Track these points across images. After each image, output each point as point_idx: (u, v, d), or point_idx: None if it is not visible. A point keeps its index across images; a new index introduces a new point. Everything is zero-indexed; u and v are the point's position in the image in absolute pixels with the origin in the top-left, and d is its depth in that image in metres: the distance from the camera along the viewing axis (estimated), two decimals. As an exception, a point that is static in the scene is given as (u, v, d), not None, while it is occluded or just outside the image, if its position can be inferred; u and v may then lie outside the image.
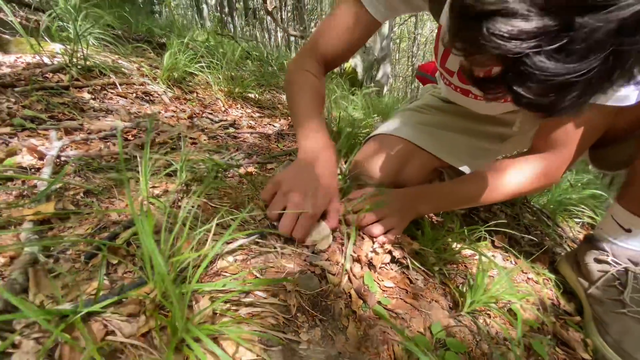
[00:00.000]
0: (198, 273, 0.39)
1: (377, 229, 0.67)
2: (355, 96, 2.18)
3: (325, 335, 0.49)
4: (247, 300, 0.46)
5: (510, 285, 0.62)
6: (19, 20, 1.57)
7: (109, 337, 0.37)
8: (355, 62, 4.90)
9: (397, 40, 16.53)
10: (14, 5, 1.83)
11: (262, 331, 0.42)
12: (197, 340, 0.36)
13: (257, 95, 1.75)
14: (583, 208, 1.24)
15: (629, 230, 0.71)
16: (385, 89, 6.77)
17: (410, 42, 17.34)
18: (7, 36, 1.39)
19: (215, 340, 0.38)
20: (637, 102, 0.57)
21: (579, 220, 1.27)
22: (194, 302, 0.42)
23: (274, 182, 0.62)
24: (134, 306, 0.40)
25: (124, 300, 0.40)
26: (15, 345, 0.35)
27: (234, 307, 0.44)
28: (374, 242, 0.67)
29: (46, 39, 1.34)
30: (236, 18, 10.22)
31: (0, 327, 0.36)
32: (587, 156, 0.80)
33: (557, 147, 0.69)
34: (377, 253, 0.66)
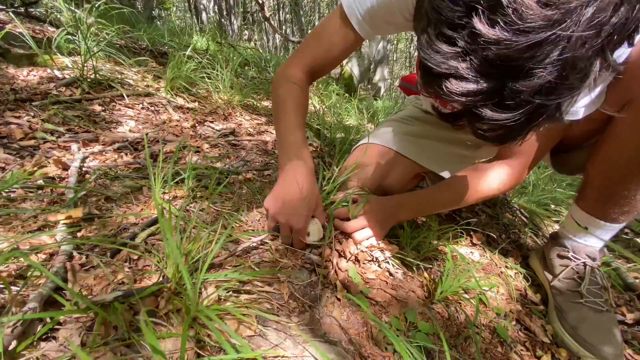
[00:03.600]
0: (206, 265, 0.48)
1: (359, 236, 0.76)
2: (350, 103, 2.27)
3: (313, 318, 0.58)
4: (246, 288, 0.55)
5: (474, 277, 0.71)
6: (28, 32, 1.66)
7: (136, 317, 0.46)
8: (352, 67, 4.99)
9: (395, 42, 16.67)
10: (22, 17, 1.91)
11: (259, 314, 0.51)
12: (208, 319, 0.45)
13: (255, 102, 1.84)
14: (559, 208, 1.33)
15: (586, 228, 0.80)
16: (383, 90, 6.85)
17: (407, 42, 17.50)
18: (17, 49, 1.48)
19: (220, 319, 0.47)
20: (584, 116, 0.66)
21: (556, 219, 1.36)
22: (203, 289, 0.51)
23: (265, 208, 0.69)
24: (154, 294, 0.49)
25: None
26: (60, 323, 0.43)
27: (235, 294, 0.53)
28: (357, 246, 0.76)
29: (55, 52, 1.43)
30: (234, 22, 10.32)
31: (47, 309, 0.44)
32: (550, 162, 0.89)
33: (518, 154, 0.78)
34: (361, 251, 0.75)
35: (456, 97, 0.37)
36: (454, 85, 0.36)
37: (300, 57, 0.85)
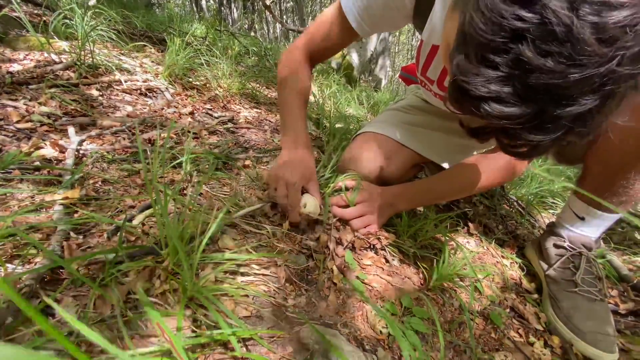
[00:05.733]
0: (202, 244, 0.48)
1: (357, 224, 0.76)
2: (350, 93, 2.25)
3: (309, 302, 0.58)
4: (243, 271, 0.55)
5: (470, 265, 0.71)
6: (25, 16, 1.63)
7: (131, 296, 0.46)
8: (352, 58, 4.94)
9: (397, 33, 16.48)
10: (18, 1, 1.88)
11: (255, 295, 0.52)
12: (205, 298, 0.45)
13: (254, 90, 1.82)
14: (557, 200, 1.34)
15: (582, 219, 0.81)
16: (384, 82, 6.79)
17: (410, 34, 17.31)
18: (14, 33, 1.46)
19: (217, 299, 0.47)
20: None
21: (553, 211, 1.36)
22: (200, 270, 0.51)
23: (266, 176, 0.72)
24: (148, 274, 0.50)
25: (142, 269, 0.49)
26: (57, 300, 0.44)
27: (231, 276, 0.53)
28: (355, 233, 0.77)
29: (53, 35, 1.41)
30: (234, 10, 10.17)
31: (43, 287, 0.45)
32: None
33: None
34: (358, 239, 0.75)
35: (494, 120, 0.37)
36: (494, 108, 0.36)
37: (303, 43, 0.89)
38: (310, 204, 0.70)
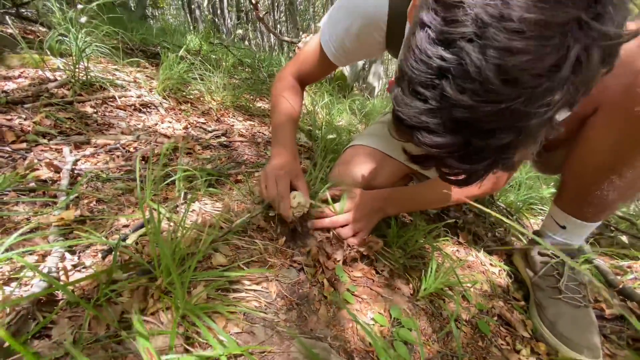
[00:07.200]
0: (194, 264, 0.49)
1: (346, 232, 0.78)
2: (342, 104, 2.29)
3: (300, 315, 0.60)
4: (235, 287, 0.57)
5: (457, 275, 0.73)
6: (18, 32, 1.65)
7: (125, 315, 0.47)
8: (344, 69, 5.00)
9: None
10: (13, 18, 1.90)
11: (246, 312, 0.53)
12: (196, 317, 0.47)
13: (247, 103, 1.85)
14: (545, 207, 1.37)
15: (564, 227, 0.84)
16: (377, 90, 6.87)
17: (402, 42, 17.50)
18: (8, 50, 1.48)
19: (208, 316, 0.49)
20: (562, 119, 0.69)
21: (542, 217, 1.39)
22: (192, 288, 0.52)
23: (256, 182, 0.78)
24: (142, 293, 0.51)
25: (136, 289, 0.50)
26: (53, 322, 0.45)
27: (223, 293, 0.55)
28: (343, 244, 0.78)
29: (47, 52, 1.43)
30: (228, 21, 10.28)
31: (40, 309, 0.46)
32: (531, 162, 0.92)
33: None
34: (349, 251, 0.77)
35: (427, 148, 0.41)
36: (425, 138, 0.40)
37: (292, 67, 0.99)
38: (299, 197, 0.72)
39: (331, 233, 0.79)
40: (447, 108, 0.36)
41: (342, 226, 0.79)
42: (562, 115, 0.39)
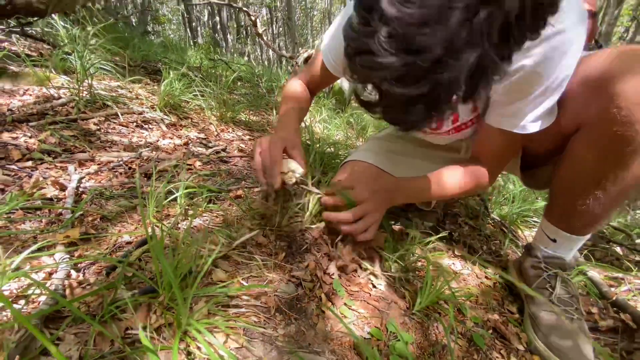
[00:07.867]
0: (197, 281, 0.51)
1: (358, 227, 0.77)
2: (340, 118, 2.34)
3: (298, 330, 0.61)
4: (234, 303, 0.58)
5: (451, 289, 0.75)
6: (23, 49, 1.70)
7: (129, 332, 0.49)
8: (341, 82, 5.09)
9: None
10: (18, 36, 1.95)
11: (246, 327, 0.55)
12: (197, 332, 0.48)
13: (247, 118, 1.89)
14: (539, 219, 1.39)
15: (554, 240, 0.86)
16: (374, 102, 6.94)
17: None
18: (13, 68, 1.52)
19: (209, 332, 0.51)
20: (546, 134, 0.73)
21: (536, 230, 1.42)
22: (193, 304, 0.54)
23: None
24: (146, 309, 0.53)
25: (139, 305, 0.52)
26: (59, 338, 0.46)
27: (223, 309, 0.57)
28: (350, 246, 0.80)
29: (52, 70, 1.47)
30: (229, 35, 10.48)
31: (47, 325, 0.47)
32: (520, 177, 0.95)
33: (484, 160, 0.87)
34: (344, 264, 0.79)
35: (366, 71, 0.45)
36: (365, 60, 0.44)
37: (303, 77, 1.07)
38: (292, 164, 0.73)
39: (335, 242, 0.80)
40: (383, 26, 0.40)
41: (348, 222, 0.77)
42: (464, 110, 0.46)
